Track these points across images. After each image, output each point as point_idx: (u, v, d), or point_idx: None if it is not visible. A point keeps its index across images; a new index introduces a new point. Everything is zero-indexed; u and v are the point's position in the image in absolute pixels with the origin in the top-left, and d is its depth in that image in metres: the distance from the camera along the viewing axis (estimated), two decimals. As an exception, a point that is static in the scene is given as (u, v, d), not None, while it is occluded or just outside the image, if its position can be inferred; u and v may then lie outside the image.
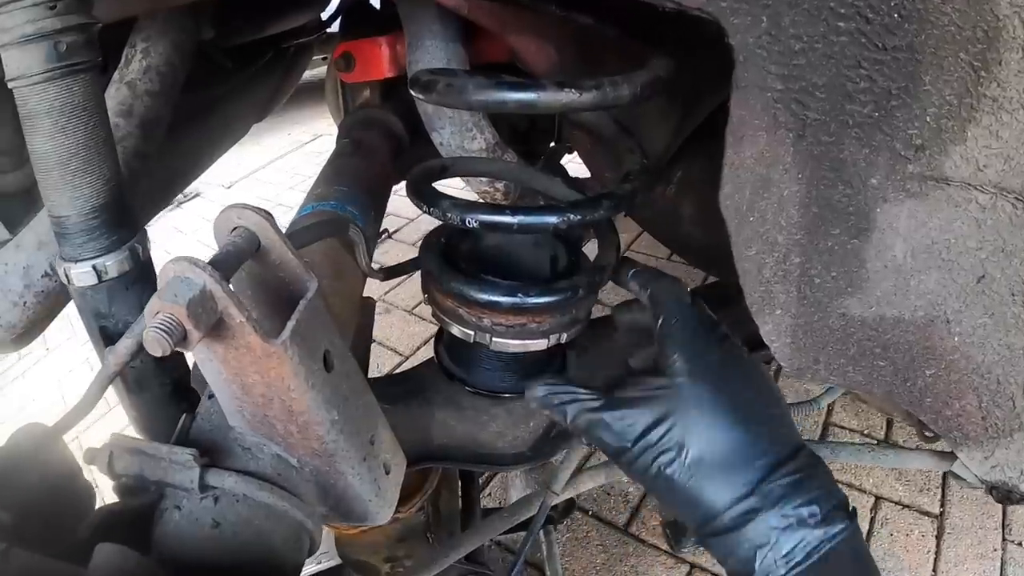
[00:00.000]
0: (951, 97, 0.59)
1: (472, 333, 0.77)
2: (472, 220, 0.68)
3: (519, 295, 0.72)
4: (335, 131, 1.61)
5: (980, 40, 0.56)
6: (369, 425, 0.68)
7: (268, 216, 0.59)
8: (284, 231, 0.92)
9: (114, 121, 0.99)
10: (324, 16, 1.81)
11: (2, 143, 1.13)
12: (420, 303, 3.20)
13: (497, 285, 0.74)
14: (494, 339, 0.76)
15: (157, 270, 0.68)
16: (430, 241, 0.83)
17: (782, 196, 0.65)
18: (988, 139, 0.61)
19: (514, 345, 0.77)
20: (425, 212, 0.73)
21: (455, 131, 1.08)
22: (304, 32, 1.81)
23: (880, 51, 0.57)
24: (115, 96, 1.01)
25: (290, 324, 0.54)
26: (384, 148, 1.39)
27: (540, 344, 0.78)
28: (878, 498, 2.06)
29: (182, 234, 4.64)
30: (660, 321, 0.70)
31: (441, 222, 0.76)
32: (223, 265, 0.53)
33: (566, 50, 0.91)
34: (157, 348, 0.47)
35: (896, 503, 2.04)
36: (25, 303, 0.98)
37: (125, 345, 0.64)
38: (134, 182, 1.00)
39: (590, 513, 2.04)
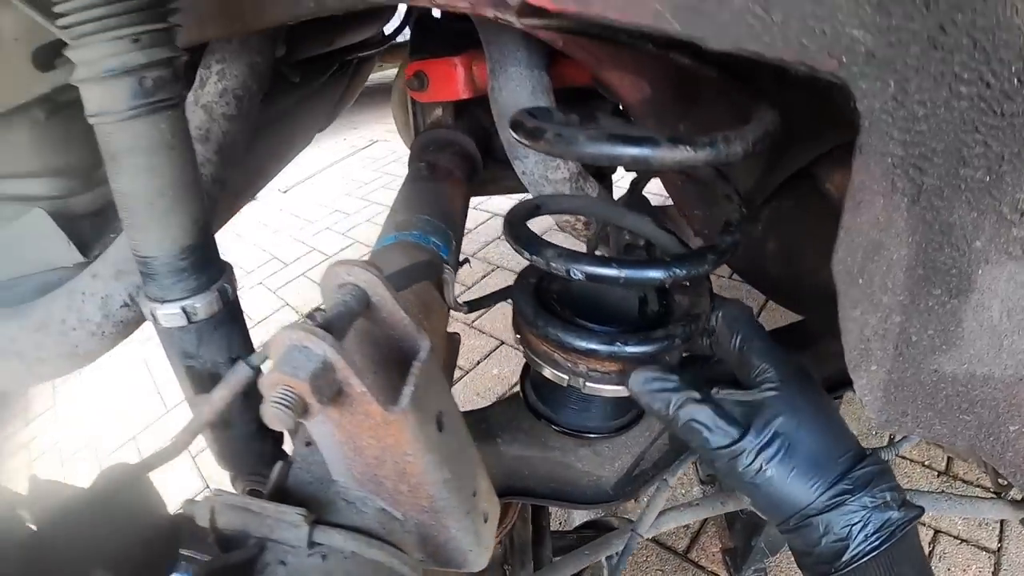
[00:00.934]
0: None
1: (566, 377, 0.77)
2: (578, 272, 0.68)
3: (617, 344, 0.73)
4: (391, 137, 1.65)
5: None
6: (472, 478, 0.68)
7: (378, 272, 0.59)
8: (369, 255, 0.95)
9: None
10: (387, 30, 1.82)
11: (72, 164, 1.12)
12: (481, 316, 3.22)
13: (595, 333, 0.74)
14: (587, 384, 0.77)
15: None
16: (523, 283, 0.83)
17: (891, 259, 0.65)
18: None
19: (608, 390, 0.77)
20: (527, 259, 0.74)
21: (539, 161, 1.09)
22: (368, 45, 1.82)
23: (997, 117, 0.57)
24: (192, 120, 1.00)
25: (408, 391, 0.54)
26: (460, 171, 1.40)
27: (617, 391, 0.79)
28: (937, 531, 2.04)
29: (240, 238, 4.69)
30: (740, 338, 0.75)
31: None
32: (335, 326, 0.53)
33: (661, 86, 0.90)
34: (279, 424, 0.48)
35: (955, 537, 2.03)
36: (104, 333, 0.98)
37: (220, 396, 0.67)
38: (211, 208, 0.99)
39: (650, 538, 2.04)
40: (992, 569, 1.95)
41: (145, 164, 0.73)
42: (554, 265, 0.70)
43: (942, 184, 0.61)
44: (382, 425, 0.54)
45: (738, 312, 0.78)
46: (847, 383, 0.79)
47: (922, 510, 0.68)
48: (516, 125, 0.69)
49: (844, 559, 0.66)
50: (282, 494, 0.64)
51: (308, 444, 0.69)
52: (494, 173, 1.58)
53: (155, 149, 0.73)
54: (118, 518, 0.61)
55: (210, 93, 1.00)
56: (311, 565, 0.59)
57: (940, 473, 2.21)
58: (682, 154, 0.61)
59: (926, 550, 1.98)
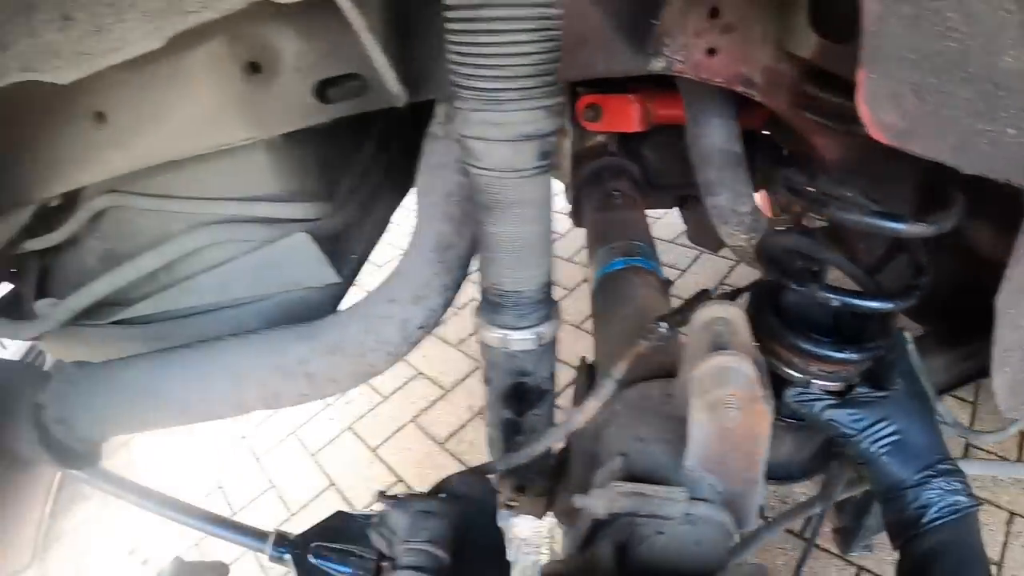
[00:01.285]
0: None
1: (800, 376, 1.03)
2: (837, 302, 0.96)
3: (846, 352, 1.00)
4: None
5: None
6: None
7: (739, 310, 0.89)
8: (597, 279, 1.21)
9: (457, 179, 1.07)
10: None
11: (310, 188, 1.19)
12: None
13: (824, 343, 1.01)
14: (812, 381, 1.04)
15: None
16: (760, 303, 1.08)
17: (1030, 297, 0.95)
18: None
19: (830, 386, 1.04)
20: (796, 287, 1.00)
21: (730, 198, 1.35)
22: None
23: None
24: (447, 152, 1.07)
25: (770, 393, 0.80)
26: (637, 198, 1.63)
27: (840, 385, 1.06)
28: (1012, 514, 2.26)
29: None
30: (896, 360, 1.05)
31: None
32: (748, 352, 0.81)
33: (850, 151, 1.18)
34: (733, 421, 0.78)
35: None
36: (398, 353, 1.09)
37: (593, 405, 0.94)
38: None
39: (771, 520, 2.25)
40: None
41: (534, 214, 0.88)
42: (819, 294, 0.97)
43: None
44: (758, 418, 0.80)
45: (899, 337, 1.07)
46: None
47: (982, 502, 0.95)
48: (803, 193, 1.00)
49: (922, 522, 0.93)
50: (635, 480, 0.85)
51: (622, 455, 0.92)
52: (651, 200, 1.82)
53: (541, 202, 0.88)
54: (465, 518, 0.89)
55: None
56: (684, 531, 0.82)
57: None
58: (923, 229, 0.92)
59: (1003, 530, 2.21)
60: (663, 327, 0.97)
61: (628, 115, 1.57)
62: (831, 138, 1.19)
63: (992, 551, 2.14)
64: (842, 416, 1.01)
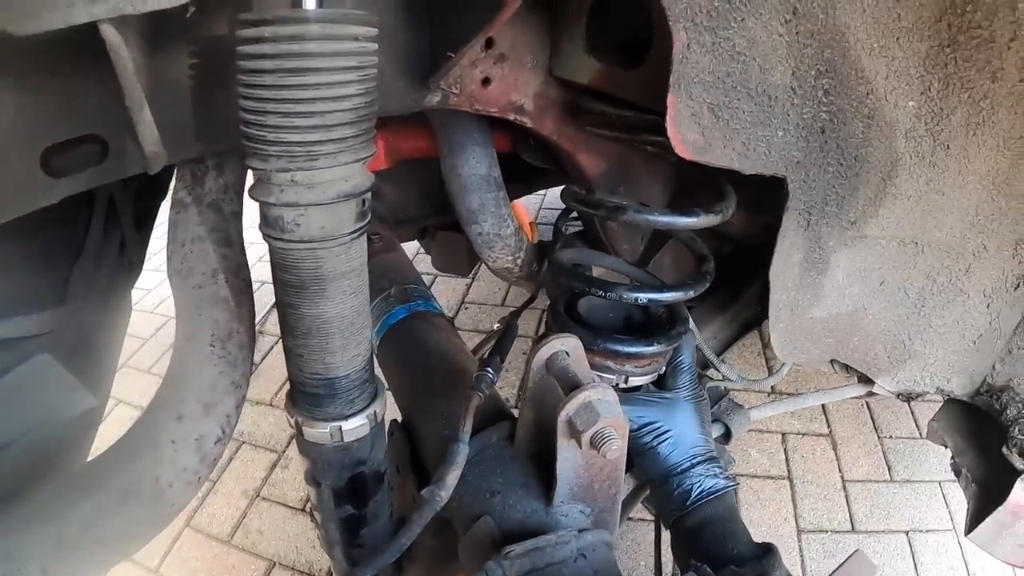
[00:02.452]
0: (871, 194, 1.11)
1: (613, 377, 1.14)
2: (644, 299, 1.10)
3: (656, 344, 1.12)
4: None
5: (888, 165, 1.08)
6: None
7: (576, 339, 0.92)
8: (385, 330, 1.17)
9: (221, 251, 0.93)
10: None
11: (46, 292, 1.01)
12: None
13: (633, 341, 1.12)
14: (630, 379, 1.15)
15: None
16: (559, 316, 1.16)
17: (792, 262, 1.14)
18: (888, 214, 1.13)
19: (645, 379, 1.17)
20: (596, 295, 1.10)
21: (494, 222, 1.42)
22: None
23: (844, 178, 1.07)
24: (202, 222, 0.92)
25: (624, 409, 0.86)
26: (394, 237, 1.64)
27: (652, 377, 1.19)
28: (783, 435, 2.74)
29: None
30: (679, 359, 1.21)
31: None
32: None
33: (612, 163, 1.31)
34: (617, 452, 0.81)
35: (796, 434, 2.75)
36: (200, 478, 0.92)
37: (453, 476, 0.85)
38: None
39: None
40: (831, 445, 2.69)
41: (356, 284, 0.77)
42: (626, 296, 1.08)
43: (817, 217, 1.10)
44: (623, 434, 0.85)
45: (690, 339, 1.22)
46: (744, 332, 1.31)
47: (736, 484, 1.14)
48: (597, 204, 1.10)
49: (687, 504, 1.10)
50: (512, 537, 0.84)
51: (495, 495, 0.91)
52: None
53: (361, 267, 0.77)
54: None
55: (212, 190, 0.93)
56: (582, 566, 0.82)
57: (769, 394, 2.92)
58: (711, 219, 1.07)
59: (781, 450, 2.67)
60: (490, 372, 0.95)
61: (376, 153, 1.51)
62: (594, 155, 1.31)
63: (780, 467, 2.63)
64: (625, 412, 1.12)
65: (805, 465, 2.62)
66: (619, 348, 1.11)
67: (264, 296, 3.34)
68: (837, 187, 1.09)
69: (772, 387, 2.92)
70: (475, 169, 1.37)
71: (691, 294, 1.11)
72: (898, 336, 1.28)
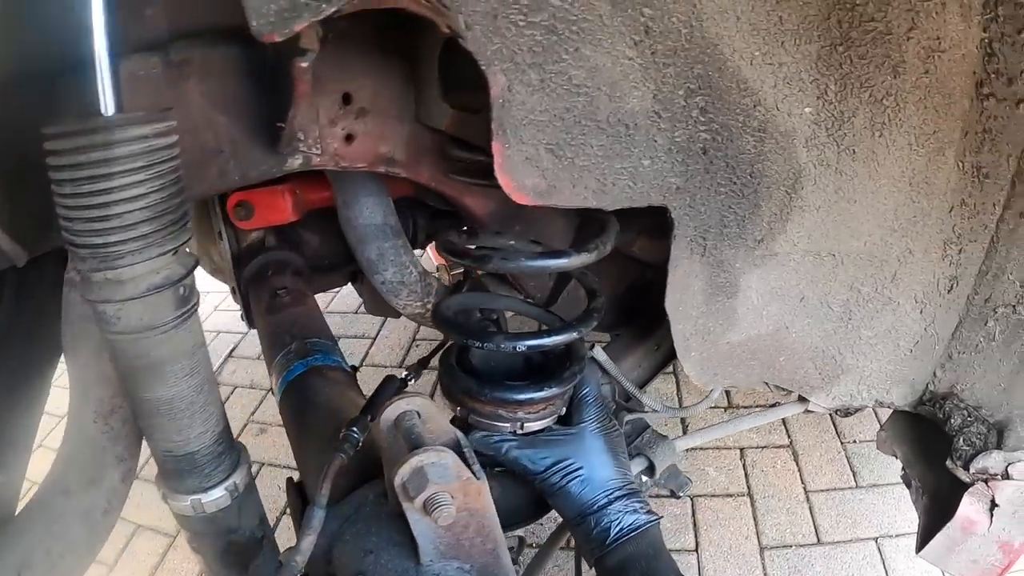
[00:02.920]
0: (776, 209, 1.02)
1: (508, 425, 1.06)
2: (523, 347, 1.00)
3: (546, 389, 1.04)
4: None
5: (791, 178, 0.99)
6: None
7: (425, 397, 0.88)
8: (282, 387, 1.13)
9: None
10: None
11: None
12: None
13: (523, 387, 1.04)
14: (525, 424, 1.07)
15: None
16: (448, 367, 1.09)
17: (695, 290, 1.05)
18: (797, 228, 1.04)
19: (540, 424, 1.08)
20: (475, 346, 1.03)
21: (396, 270, 1.37)
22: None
23: (742, 197, 0.99)
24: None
25: (477, 467, 0.82)
26: (305, 289, 1.59)
27: (551, 420, 1.11)
28: (741, 450, 2.63)
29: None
30: (583, 393, 1.13)
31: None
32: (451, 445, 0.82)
33: (499, 204, 1.23)
34: (449, 519, 0.77)
35: (755, 447, 2.64)
36: (92, 550, 0.99)
37: (309, 541, 0.84)
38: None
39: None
40: (792, 456, 2.60)
41: (190, 366, 0.80)
42: (503, 345, 1.00)
43: (715, 241, 1.02)
44: (474, 496, 0.81)
45: (590, 377, 1.14)
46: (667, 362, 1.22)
47: (659, 517, 1.07)
48: (463, 254, 1.02)
49: (607, 542, 1.02)
50: None
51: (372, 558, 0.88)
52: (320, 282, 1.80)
53: (194, 349, 0.80)
54: None
55: None
56: None
57: (726, 408, 2.85)
58: (584, 257, 0.98)
59: (740, 465, 2.57)
60: (354, 432, 0.94)
61: (280, 207, 1.53)
62: (480, 196, 1.24)
63: (739, 483, 2.51)
64: (527, 455, 1.07)
65: (766, 479, 2.51)
66: (507, 396, 1.04)
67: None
68: (734, 207, 1.00)
69: (729, 403, 2.86)
70: (370, 219, 1.33)
71: (575, 335, 1.03)
72: (827, 351, 1.19)
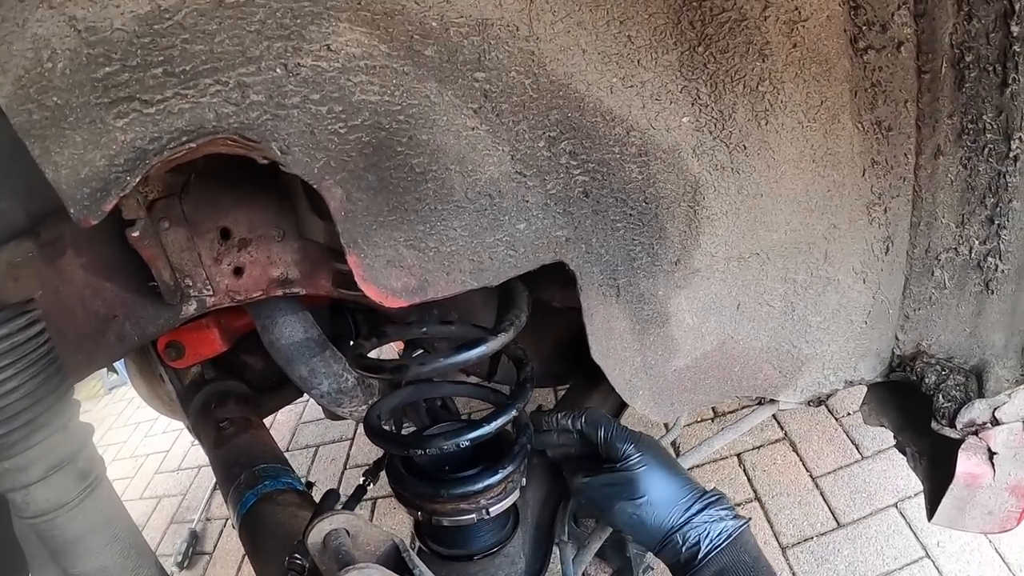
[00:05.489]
0: (684, 227, 0.96)
1: (475, 515, 1.00)
2: (466, 441, 0.95)
3: (502, 469, 0.99)
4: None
5: (689, 191, 0.93)
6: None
7: (354, 514, 0.86)
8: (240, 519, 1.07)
9: None
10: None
11: None
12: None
13: (478, 475, 0.99)
14: (491, 509, 1.01)
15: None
16: (396, 472, 1.04)
17: (620, 331, 0.99)
18: (711, 239, 0.99)
19: (507, 503, 1.03)
20: (411, 454, 0.99)
21: (331, 382, 1.31)
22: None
23: (643, 226, 0.92)
24: None
25: (421, 568, 0.83)
26: (250, 411, 1.56)
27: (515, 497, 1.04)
28: (738, 455, 2.56)
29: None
30: (603, 431, 1.06)
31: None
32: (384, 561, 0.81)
33: None
34: None
35: (752, 449, 2.57)
36: None
37: None
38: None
39: None
40: (791, 448, 2.53)
41: (107, 535, 0.84)
42: (446, 445, 0.94)
43: (628, 277, 0.96)
44: None
45: (597, 414, 1.09)
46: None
47: (748, 519, 1.01)
48: (376, 369, 0.98)
49: (699, 557, 0.97)
50: None
51: None
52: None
53: (109, 518, 0.84)
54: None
55: None
56: None
57: (713, 419, 2.78)
58: (503, 339, 0.94)
59: (739, 471, 2.49)
60: (298, 559, 0.95)
61: (209, 340, 1.52)
62: None
63: (745, 490, 2.43)
64: (596, 491, 1.05)
65: (770, 478, 2.45)
66: (465, 490, 0.99)
67: (203, 482, 3.34)
68: (638, 238, 0.95)
69: (715, 413, 2.80)
70: (291, 338, 1.29)
71: (515, 412, 0.97)
72: (780, 348, 1.14)
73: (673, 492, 1.02)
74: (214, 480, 3.28)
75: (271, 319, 1.27)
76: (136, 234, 0.80)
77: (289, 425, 3.57)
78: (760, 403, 1.31)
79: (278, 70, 0.68)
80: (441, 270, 0.83)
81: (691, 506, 1.00)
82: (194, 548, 2.87)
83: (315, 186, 0.72)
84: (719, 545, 0.97)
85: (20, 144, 0.80)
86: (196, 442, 3.46)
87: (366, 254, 0.78)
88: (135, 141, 0.67)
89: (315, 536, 0.84)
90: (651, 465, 1.04)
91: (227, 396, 1.60)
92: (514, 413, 0.98)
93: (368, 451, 3.20)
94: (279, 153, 0.70)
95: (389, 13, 0.71)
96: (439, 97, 0.74)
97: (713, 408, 2.77)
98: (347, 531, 0.84)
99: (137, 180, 0.67)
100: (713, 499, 1.02)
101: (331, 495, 1.02)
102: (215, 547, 2.92)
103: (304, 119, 0.70)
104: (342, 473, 3.12)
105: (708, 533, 0.98)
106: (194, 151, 0.69)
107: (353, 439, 3.34)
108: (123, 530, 0.87)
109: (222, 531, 2.98)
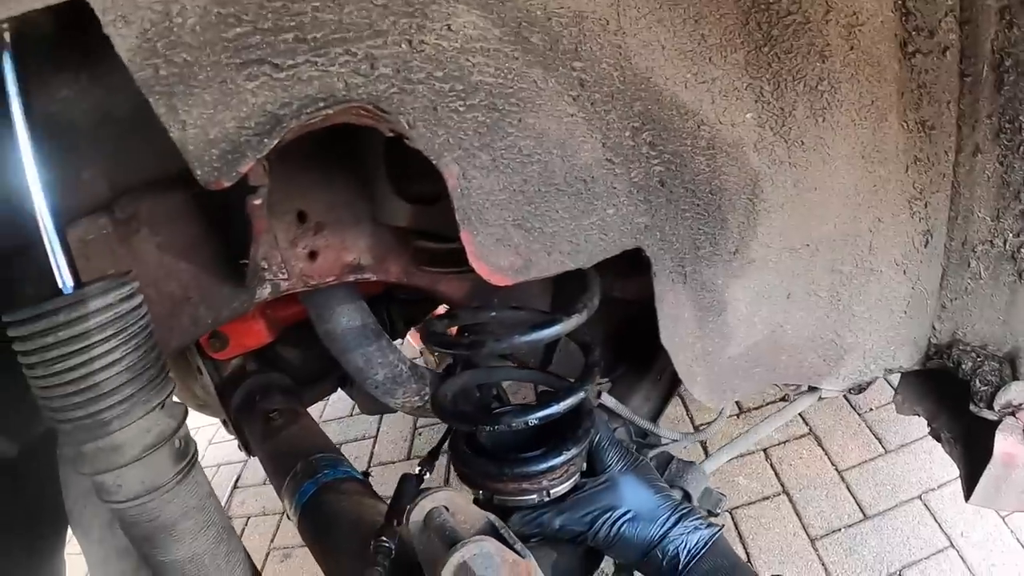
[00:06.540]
0: (743, 218, 1.01)
1: (535, 496, 1.03)
2: (535, 420, 0.98)
3: (564, 452, 1.01)
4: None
5: (749, 184, 0.98)
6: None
7: (451, 489, 0.87)
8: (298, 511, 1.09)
9: None
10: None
11: None
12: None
13: (540, 456, 1.02)
14: (551, 491, 1.04)
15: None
16: (463, 453, 1.06)
17: (685, 318, 1.04)
18: (767, 230, 1.04)
19: (565, 487, 1.05)
20: (480, 429, 1.02)
21: (387, 371, 1.32)
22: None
23: (708, 216, 0.98)
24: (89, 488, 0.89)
25: (520, 545, 0.82)
26: (297, 407, 1.56)
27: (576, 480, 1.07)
28: (764, 450, 2.61)
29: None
30: (596, 439, 1.09)
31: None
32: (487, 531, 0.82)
33: (475, 283, 1.20)
34: None
35: (777, 444, 2.62)
36: None
37: None
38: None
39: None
40: (816, 441, 2.58)
41: (201, 521, 0.79)
42: (516, 423, 0.97)
43: (693, 265, 1.01)
44: (524, 573, 0.79)
45: (599, 422, 1.12)
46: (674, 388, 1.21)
47: (721, 527, 1.04)
48: (454, 344, 1.01)
49: (680, 568, 1.00)
50: None
51: None
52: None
53: (202, 502, 0.79)
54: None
55: None
56: None
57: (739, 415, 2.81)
58: (577, 320, 0.97)
59: (768, 463, 2.54)
60: (385, 542, 0.91)
61: (255, 331, 1.50)
62: (453, 281, 1.22)
63: (772, 484, 2.47)
64: (570, 519, 1.04)
65: (796, 472, 2.51)
66: (529, 470, 1.02)
67: (221, 481, 3.33)
68: (703, 228, 0.99)
69: (740, 409, 2.83)
70: (349, 327, 1.28)
71: (583, 394, 1.01)
72: (825, 337, 1.19)
73: (652, 506, 1.05)
74: (234, 478, 3.42)
75: (328, 308, 1.27)
76: (258, 201, 0.78)
77: (309, 423, 3.56)
78: (785, 398, 1.36)
79: (403, 45, 0.71)
80: (544, 250, 0.86)
81: (667, 519, 1.04)
82: (215, 546, 2.87)
83: (435, 162, 0.75)
84: (697, 555, 1.01)
85: (107, 111, 0.81)
86: (214, 441, 3.51)
87: (479, 231, 0.81)
88: (265, 105, 0.67)
89: (417, 515, 0.84)
90: (634, 477, 1.08)
91: (271, 388, 1.59)
92: (582, 395, 1.02)
93: (392, 449, 3.22)
94: (406, 127, 0.73)
95: (501, -1, 0.75)
96: (544, 83, 0.79)
97: (738, 404, 2.81)
98: (446, 508, 0.85)
99: (275, 144, 0.67)
100: (685, 512, 1.05)
101: (410, 478, 1.04)
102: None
103: (428, 95, 0.73)
104: (366, 471, 3.10)
105: (686, 544, 1.01)
106: (329, 118, 0.70)
107: (376, 437, 3.34)
108: (216, 515, 0.83)
109: (243, 529, 2.99)
